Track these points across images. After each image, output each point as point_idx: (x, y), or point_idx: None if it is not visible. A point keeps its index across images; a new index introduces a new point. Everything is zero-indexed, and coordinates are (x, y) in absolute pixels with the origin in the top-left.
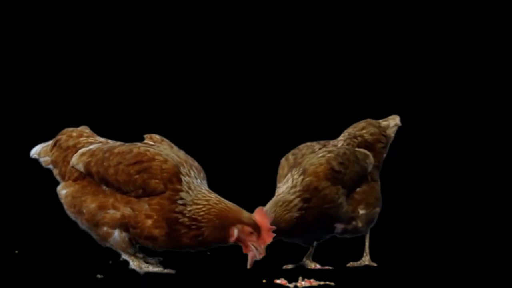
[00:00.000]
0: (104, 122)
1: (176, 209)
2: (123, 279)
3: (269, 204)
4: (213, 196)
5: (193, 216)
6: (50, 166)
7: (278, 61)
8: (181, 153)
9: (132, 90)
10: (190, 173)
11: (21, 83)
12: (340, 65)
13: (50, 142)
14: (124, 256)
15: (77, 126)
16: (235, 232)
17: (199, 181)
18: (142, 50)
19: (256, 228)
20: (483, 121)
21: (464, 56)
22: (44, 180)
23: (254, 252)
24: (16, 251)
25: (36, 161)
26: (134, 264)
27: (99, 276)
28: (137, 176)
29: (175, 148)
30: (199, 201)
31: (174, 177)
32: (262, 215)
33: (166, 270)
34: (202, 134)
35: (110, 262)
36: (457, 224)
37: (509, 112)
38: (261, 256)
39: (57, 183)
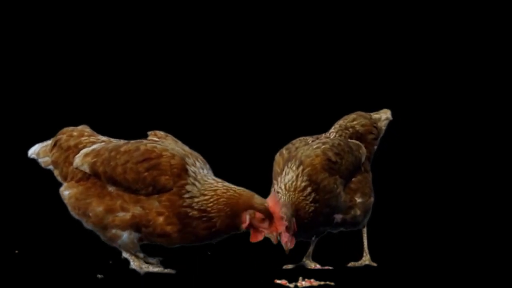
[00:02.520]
0: (102, 120)
1: (184, 204)
2: (123, 279)
3: (281, 193)
4: (220, 185)
5: (202, 208)
6: (50, 167)
7: (268, 58)
8: (186, 148)
9: (129, 87)
10: (195, 163)
11: (17, 82)
12: (329, 61)
13: (49, 142)
14: (125, 255)
15: (75, 124)
16: (246, 218)
17: (205, 171)
18: (140, 47)
19: (268, 215)
20: (473, 117)
21: (454, 51)
22: (43, 179)
23: (271, 237)
24: (16, 251)
25: (34, 161)
26: (134, 264)
27: (99, 276)
28: (146, 173)
29: (180, 143)
30: (206, 192)
31: (183, 171)
32: (275, 202)
33: (166, 270)
34: (197, 129)
35: (110, 262)
36: (453, 219)
37: (499, 108)
38: (275, 242)
39: (56, 182)
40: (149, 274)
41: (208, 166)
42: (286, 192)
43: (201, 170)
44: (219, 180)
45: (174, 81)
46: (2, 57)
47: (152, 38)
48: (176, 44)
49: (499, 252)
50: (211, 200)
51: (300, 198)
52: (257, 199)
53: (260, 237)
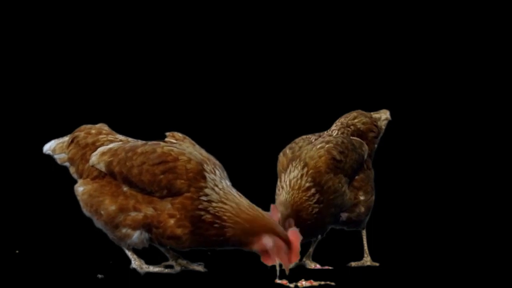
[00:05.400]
0: (121, 119)
1: (200, 206)
2: (123, 279)
3: (284, 192)
4: (245, 201)
5: (217, 214)
6: (67, 164)
7: (271, 59)
8: (203, 151)
9: (148, 87)
10: (215, 171)
11: (37, 78)
12: (330, 61)
13: (66, 138)
14: (128, 254)
15: (93, 122)
16: (265, 240)
17: (228, 182)
18: (161, 49)
19: (288, 244)
20: (472, 118)
21: (453, 53)
22: (48, 178)
23: (276, 265)
24: (17, 251)
25: (48, 157)
26: (135, 263)
27: (99, 276)
28: (162, 176)
29: (197, 146)
30: (227, 201)
31: (199, 175)
32: (296, 235)
33: (166, 270)
34: (200, 127)
35: (111, 262)
36: (452, 219)
37: (496, 109)
38: (286, 270)
39: (59, 181)
40: (149, 274)
41: (225, 173)
42: (290, 190)
43: (223, 181)
44: (242, 195)
45: (183, 83)
46: (22, 54)
47: (173, 39)
48: (188, 50)
49: (499, 252)
50: (231, 210)
51: (304, 198)
52: (280, 227)
53: (270, 262)
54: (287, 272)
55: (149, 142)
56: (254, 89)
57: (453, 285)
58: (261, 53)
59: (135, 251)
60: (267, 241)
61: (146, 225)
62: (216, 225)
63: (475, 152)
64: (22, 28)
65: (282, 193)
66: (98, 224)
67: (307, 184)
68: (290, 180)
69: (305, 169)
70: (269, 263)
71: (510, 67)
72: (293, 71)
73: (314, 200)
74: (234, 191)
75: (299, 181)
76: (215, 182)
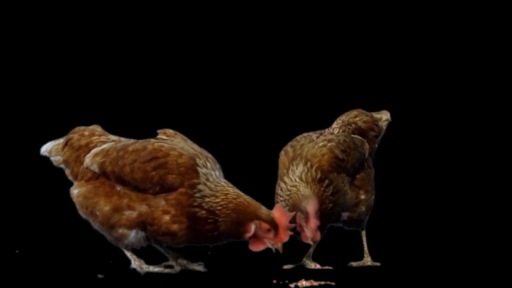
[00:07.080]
0: (114, 119)
1: (194, 203)
2: (123, 279)
3: (302, 187)
4: (231, 190)
5: (210, 209)
6: (62, 166)
7: (268, 57)
8: (195, 146)
9: (140, 87)
10: (206, 164)
11: (32, 80)
12: (326, 61)
13: (61, 140)
14: (127, 254)
15: (88, 123)
16: (252, 228)
17: (217, 173)
18: (152, 48)
19: (274, 226)
20: (471, 120)
21: (453, 53)
22: (48, 179)
23: (272, 248)
24: (17, 251)
25: (46, 159)
26: (135, 263)
27: (99, 276)
28: (153, 172)
29: (189, 141)
30: (217, 194)
31: (191, 170)
32: (281, 213)
33: (166, 270)
34: (200, 125)
35: (111, 262)
36: (452, 219)
37: (496, 109)
38: (281, 251)
39: (63, 182)
40: (149, 274)
41: (218, 165)
42: (306, 184)
43: (212, 172)
44: (230, 184)
45: (181, 81)
46: (18, 56)
47: (164, 39)
48: (184, 46)
49: (499, 252)
50: (221, 203)
51: (321, 189)
52: (263, 209)
53: (261, 247)
54: (280, 251)
55: (140, 140)
56: (254, 88)
57: (453, 285)
58: (261, 52)
59: (135, 251)
60: (251, 228)
61: (141, 223)
62: (210, 220)
63: (475, 152)
64: (19, 33)
65: (300, 188)
66: (95, 226)
67: (319, 175)
68: (299, 176)
69: (309, 164)
70: (259, 248)
71: (510, 67)
72: (293, 70)
73: (330, 192)
74: (222, 181)
75: (309, 174)
76: (207, 176)
